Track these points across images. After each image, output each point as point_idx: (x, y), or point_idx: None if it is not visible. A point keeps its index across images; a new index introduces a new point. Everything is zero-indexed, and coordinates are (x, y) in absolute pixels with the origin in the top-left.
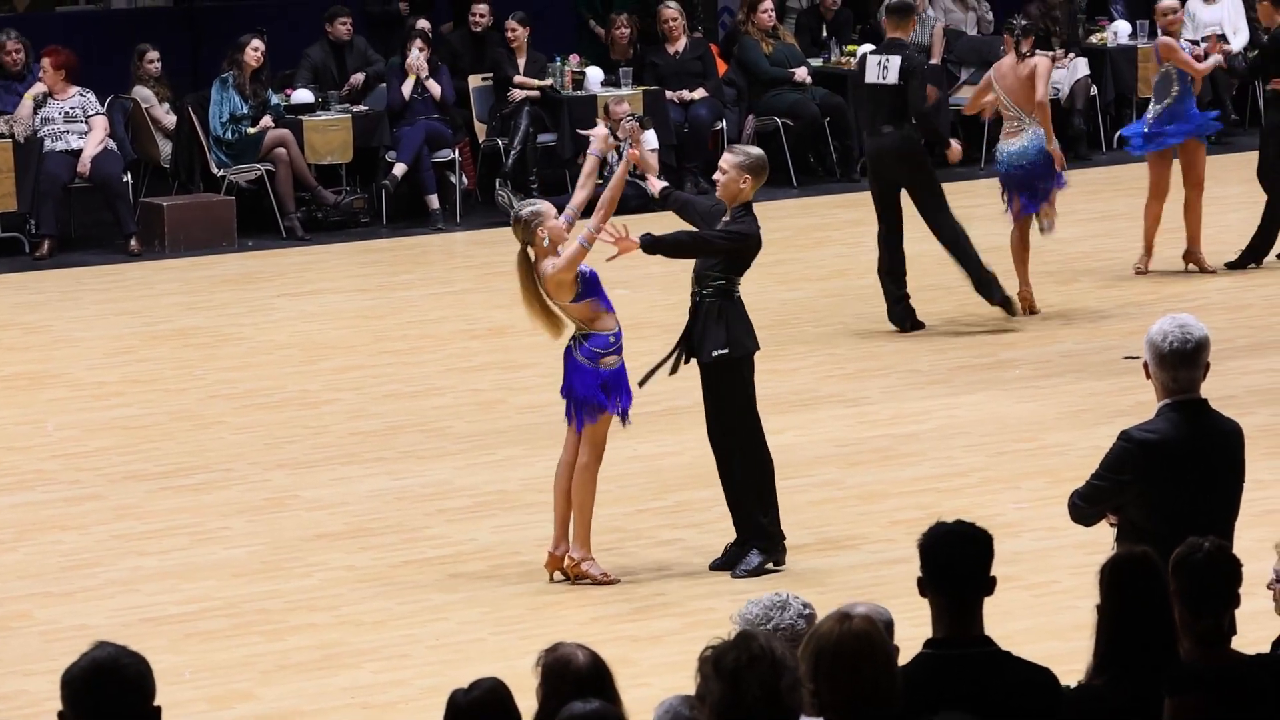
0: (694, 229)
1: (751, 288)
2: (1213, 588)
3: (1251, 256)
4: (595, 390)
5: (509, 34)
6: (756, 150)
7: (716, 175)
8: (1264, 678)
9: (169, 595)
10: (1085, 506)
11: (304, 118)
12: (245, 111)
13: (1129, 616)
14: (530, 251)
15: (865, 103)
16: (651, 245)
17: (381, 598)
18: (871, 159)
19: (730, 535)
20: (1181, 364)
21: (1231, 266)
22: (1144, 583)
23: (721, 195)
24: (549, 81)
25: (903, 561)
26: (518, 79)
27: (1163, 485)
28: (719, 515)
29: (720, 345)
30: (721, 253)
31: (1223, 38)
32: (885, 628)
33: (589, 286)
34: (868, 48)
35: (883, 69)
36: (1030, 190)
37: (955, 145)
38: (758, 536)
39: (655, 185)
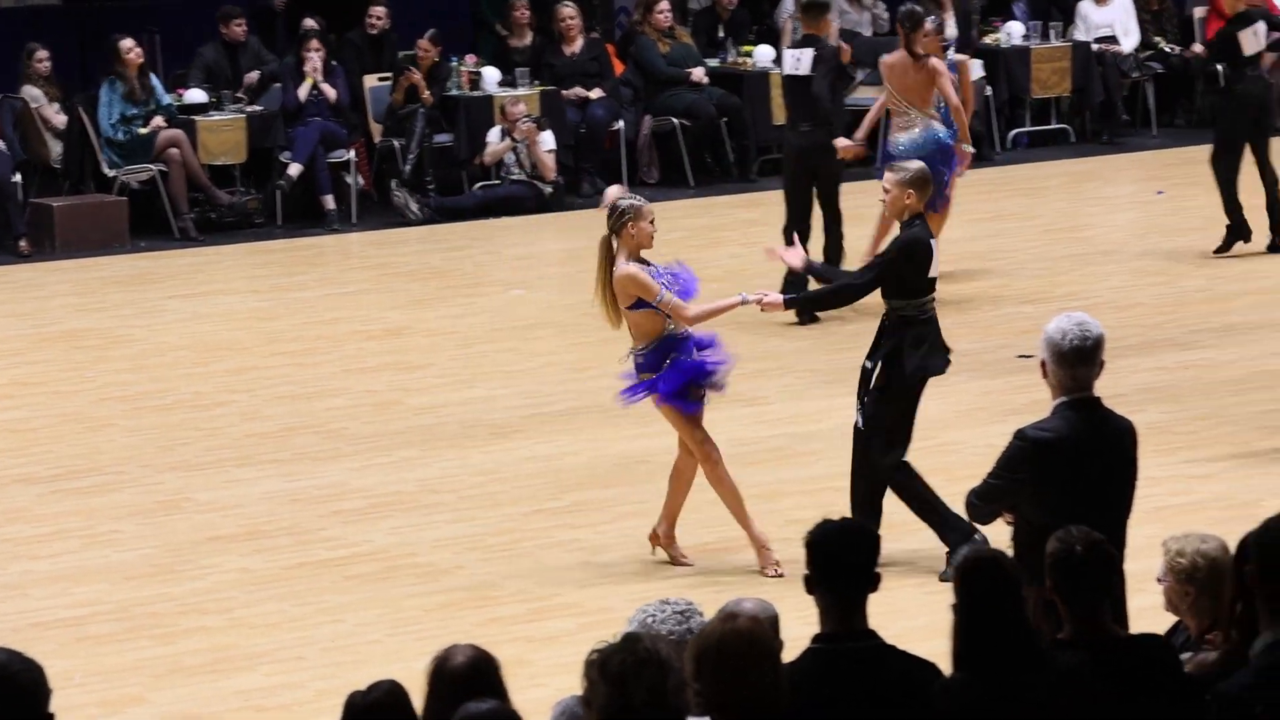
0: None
1: None
2: (1086, 584)
3: (1236, 235)
4: (638, 393)
5: (420, 53)
6: (916, 163)
7: (881, 196)
8: (1139, 653)
9: (59, 599)
10: (981, 505)
11: (197, 118)
12: (134, 112)
13: (983, 616)
14: (614, 241)
15: (787, 100)
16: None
17: (276, 600)
18: (795, 155)
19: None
20: (1080, 362)
21: (1219, 252)
22: (996, 583)
23: (890, 214)
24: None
25: (800, 560)
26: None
27: (1058, 483)
28: (616, 515)
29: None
30: (868, 288)
31: (1114, 39)
32: (771, 623)
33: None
34: (765, 50)
35: (796, 60)
36: None
37: (843, 142)
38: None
39: (774, 304)
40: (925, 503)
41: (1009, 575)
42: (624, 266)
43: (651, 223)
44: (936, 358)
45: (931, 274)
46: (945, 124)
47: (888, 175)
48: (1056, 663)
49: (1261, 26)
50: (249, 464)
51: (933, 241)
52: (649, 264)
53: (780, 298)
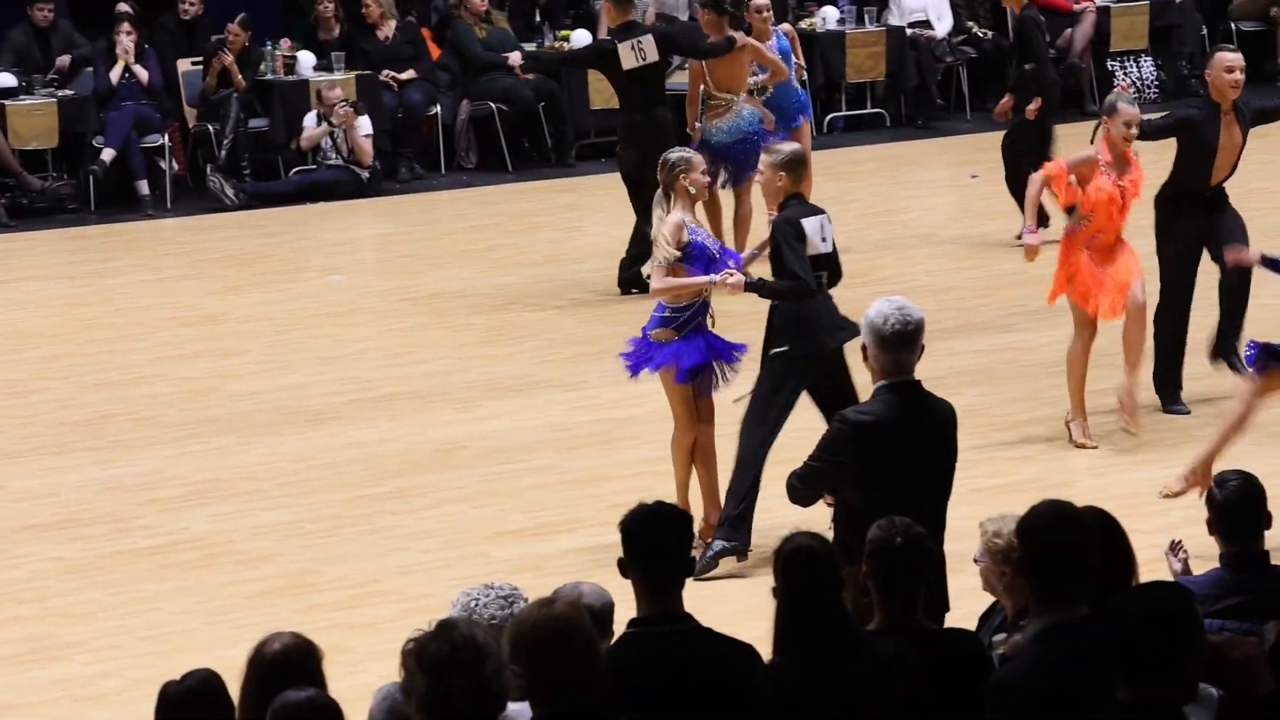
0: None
1: (466, 273)
2: (901, 575)
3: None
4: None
5: (231, 37)
6: (790, 145)
7: (756, 177)
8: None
9: None
10: (803, 488)
11: (7, 102)
12: None
13: (802, 602)
14: (670, 194)
15: (632, 89)
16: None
17: (92, 589)
18: (644, 138)
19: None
20: (901, 345)
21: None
22: (815, 569)
23: (766, 198)
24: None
25: (619, 545)
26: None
27: (878, 466)
28: (436, 501)
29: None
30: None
31: (927, 24)
32: (606, 609)
33: (688, 257)
34: (582, 35)
35: (639, 51)
36: (742, 162)
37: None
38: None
39: (736, 286)
40: (743, 491)
41: (827, 562)
42: (668, 220)
43: (704, 171)
44: (817, 336)
45: (811, 251)
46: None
47: (762, 158)
48: (875, 649)
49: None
50: (64, 452)
51: (814, 219)
52: (696, 225)
53: (743, 279)
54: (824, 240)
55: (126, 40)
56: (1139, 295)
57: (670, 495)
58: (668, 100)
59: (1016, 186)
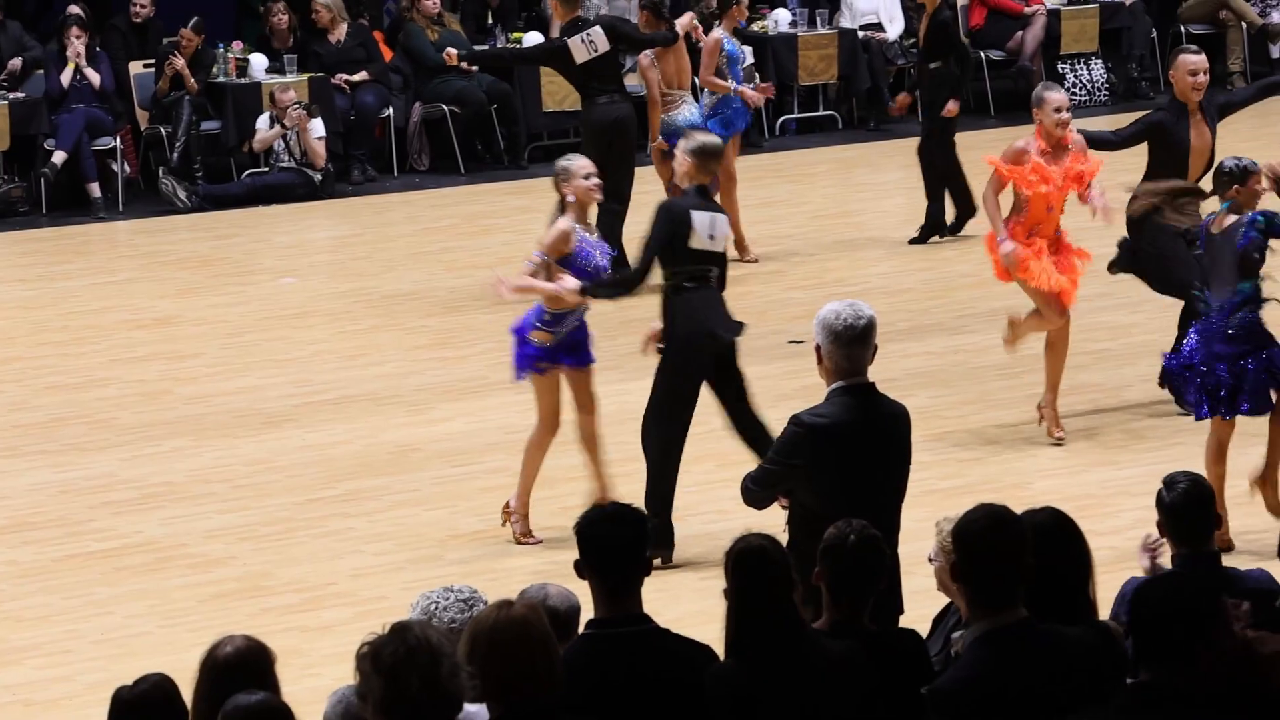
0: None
1: (419, 275)
2: (854, 577)
3: (932, 230)
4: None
5: (184, 42)
6: (708, 136)
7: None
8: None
9: None
10: (758, 490)
11: None
12: None
13: (752, 603)
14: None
15: (588, 84)
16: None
17: (44, 593)
18: (605, 128)
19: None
20: (854, 342)
21: (914, 241)
22: (766, 570)
23: (678, 179)
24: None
25: (573, 547)
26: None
27: (833, 468)
28: (390, 504)
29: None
30: (645, 270)
31: (879, 26)
32: (572, 611)
33: (569, 266)
34: (534, 36)
35: (589, 44)
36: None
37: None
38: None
39: (572, 292)
40: (659, 497)
41: (778, 563)
42: (560, 223)
43: (588, 178)
44: (709, 330)
45: (697, 245)
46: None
47: (679, 142)
48: (825, 649)
49: None
50: (16, 455)
51: (706, 214)
52: (588, 234)
53: (576, 285)
54: (712, 238)
55: (77, 43)
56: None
57: (628, 496)
58: (626, 91)
59: (936, 187)
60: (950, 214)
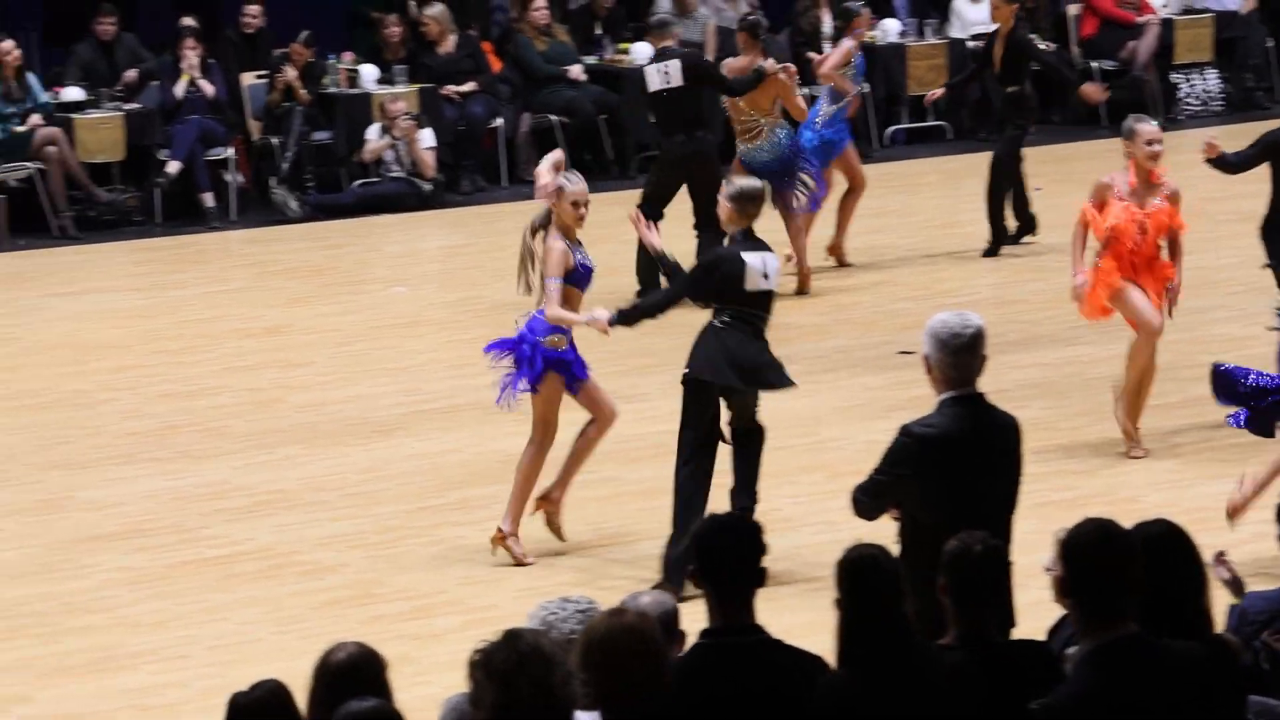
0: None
1: None
2: (978, 587)
3: (1001, 240)
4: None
5: (294, 55)
6: (749, 181)
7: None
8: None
9: None
10: (867, 501)
11: (75, 116)
12: (11, 110)
13: (864, 611)
14: (549, 223)
15: (660, 113)
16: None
17: (159, 598)
18: (676, 166)
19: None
20: (962, 351)
21: (988, 254)
22: (877, 579)
23: (724, 226)
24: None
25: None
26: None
27: (941, 479)
28: (499, 512)
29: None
30: (686, 293)
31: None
32: (669, 617)
33: (575, 280)
34: (642, 48)
35: (664, 74)
36: (790, 179)
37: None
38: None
39: (602, 324)
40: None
41: (889, 572)
42: (555, 245)
43: (574, 204)
44: (714, 368)
45: (751, 287)
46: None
47: (722, 186)
48: (938, 662)
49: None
50: (130, 462)
51: (757, 255)
52: (577, 247)
53: (605, 316)
54: (766, 277)
55: (191, 55)
56: (1155, 320)
57: (727, 506)
58: (702, 128)
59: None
60: (1011, 224)
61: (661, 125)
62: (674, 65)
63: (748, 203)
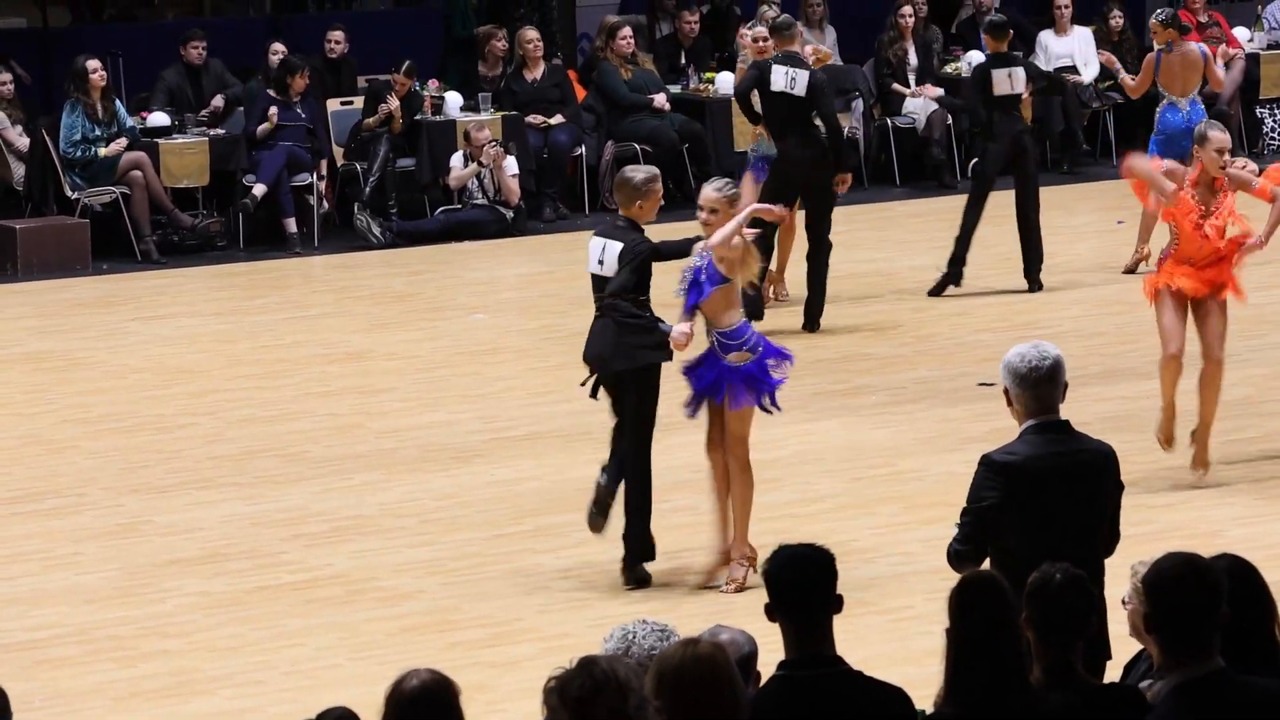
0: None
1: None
2: (1062, 618)
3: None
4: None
5: (397, 85)
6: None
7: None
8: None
9: (18, 621)
10: (964, 549)
11: (160, 140)
12: (97, 134)
13: (977, 640)
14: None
15: (773, 119)
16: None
17: (236, 623)
18: (794, 163)
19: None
20: (1041, 383)
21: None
22: (991, 607)
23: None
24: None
25: (759, 587)
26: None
27: (1023, 507)
28: (577, 540)
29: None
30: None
31: (1074, 69)
32: (749, 654)
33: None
34: (726, 78)
35: (790, 80)
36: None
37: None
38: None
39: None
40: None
41: (1005, 601)
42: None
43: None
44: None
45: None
46: None
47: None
48: (1044, 705)
49: (1019, 71)
50: (210, 487)
51: (600, 241)
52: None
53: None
54: (601, 264)
55: (300, 82)
56: (1216, 350)
57: (810, 537)
58: (815, 135)
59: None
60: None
61: (772, 126)
62: (801, 76)
63: (626, 186)
